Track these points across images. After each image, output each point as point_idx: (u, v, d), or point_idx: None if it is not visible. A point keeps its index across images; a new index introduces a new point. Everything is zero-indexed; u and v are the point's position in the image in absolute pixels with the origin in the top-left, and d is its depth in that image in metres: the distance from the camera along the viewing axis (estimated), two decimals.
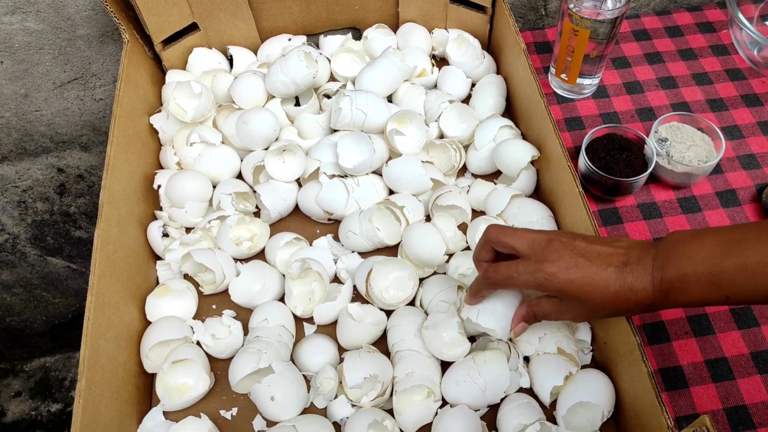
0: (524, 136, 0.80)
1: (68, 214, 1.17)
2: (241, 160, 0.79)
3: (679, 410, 0.63)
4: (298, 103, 0.85)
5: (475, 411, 0.59)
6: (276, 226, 0.77)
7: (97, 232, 0.64)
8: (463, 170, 0.81)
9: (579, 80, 0.87)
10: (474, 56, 0.88)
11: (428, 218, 0.75)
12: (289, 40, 0.90)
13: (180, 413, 0.63)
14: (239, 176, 0.80)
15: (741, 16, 0.82)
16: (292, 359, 0.65)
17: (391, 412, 0.61)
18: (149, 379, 0.65)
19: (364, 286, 0.67)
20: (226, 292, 0.69)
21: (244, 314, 0.69)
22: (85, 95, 0.97)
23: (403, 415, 0.60)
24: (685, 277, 0.46)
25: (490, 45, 0.93)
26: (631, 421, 0.58)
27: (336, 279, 0.72)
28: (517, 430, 0.57)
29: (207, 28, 0.87)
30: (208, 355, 0.66)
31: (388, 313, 0.67)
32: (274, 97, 0.82)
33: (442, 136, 0.82)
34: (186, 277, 0.72)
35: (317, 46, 0.92)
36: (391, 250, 0.74)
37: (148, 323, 0.67)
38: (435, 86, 0.87)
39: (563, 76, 0.88)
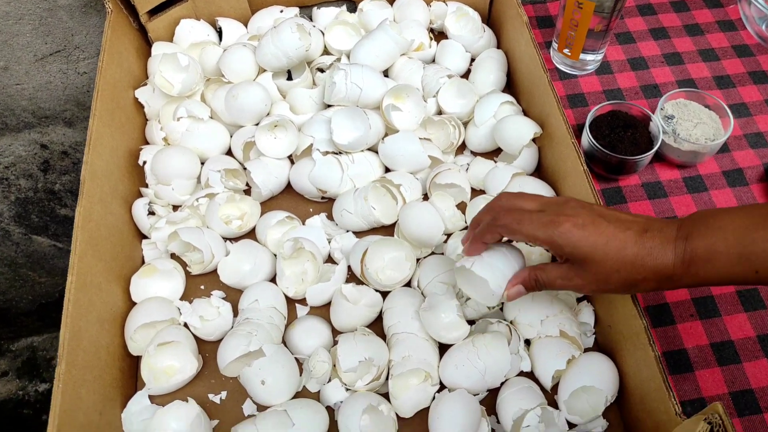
0: (526, 113, 0.77)
1: (53, 191, 1.13)
2: (231, 136, 0.76)
3: (684, 394, 0.61)
4: (290, 77, 0.82)
5: (474, 395, 0.57)
6: (267, 205, 0.74)
7: (78, 210, 0.60)
8: (462, 147, 0.78)
9: (582, 56, 0.84)
10: (474, 30, 0.85)
11: (426, 197, 0.73)
12: (281, 12, 0.86)
13: (166, 397, 0.60)
14: (229, 153, 0.77)
15: None
16: (283, 342, 0.63)
17: (386, 396, 0.58)
18: (134, 362, 0.63)
19: (359, 266, 0.64)
20: (214, 272, 0.67)
21: (233, 295, 0.66)
22: (68, 68, 0.93)
23: (400, 400, 0.58)
24: (712, 248, 0.43)
25: (490, 18, 0.89)
26: (635, 406, 0.56)
27: (330, 259, 0.70)
28: (518, 415, 0.55)
29: None
30: (196, 338, 0.63)
31: (384, 294, 0.65)
32: (265, 70, 0.79)
33: (440, 113, 0.79)
34: (173, 256, 0.69)
35: (310, 18, 0.89)
36: (388, 230, 0.71)
37: (133, 304, 0.64)
38: (433, 61, 0.84)
39: (566, 51, 0.85)
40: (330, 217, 0.72)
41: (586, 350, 0.60)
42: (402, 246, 0.66)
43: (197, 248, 0.65)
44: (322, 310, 0.66)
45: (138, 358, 0.62)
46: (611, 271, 0.46)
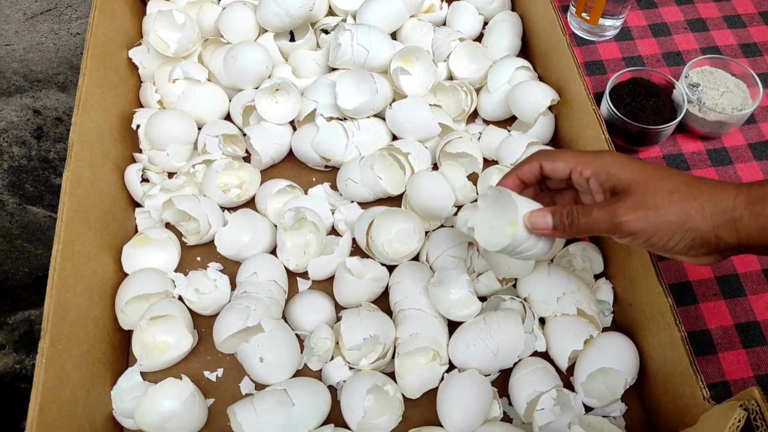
0: (542, 80, 0.72)
1: (47, 159, 1.09)
2: (230, 100, 0.72)
3: (707, 378, 0.57)
4: (293, 39, 0.76)
5: (486, 376, 0.54)
6: (267, 173, 0.69)
7: (66, 174, 0.56)
8: (474, 115, 0.74)
9: (601, 21, 0.79)
10: None
11: (435, 167, 0.68)
12: None
13: (159, 374, 0.57)
14: (227, 117, 0.72)
15: None
16: (284, 317, 0.59)
17: (392, 376, 0.55)
18: (125, 336, 0.59)
19: (364, 238, 0.60)
20: (211, 243, 0.63)
21: (231, 267, 0.62)
22: (60, 29, 0.88)
23: (406, 380, 0.54)
24: None
25: None
26: (657, 389, 0.52)
27: (333, 231, 0.65)
28: (532, 397, 0.51)
29: None
30: (191, 312, 0.59)
31: (391, 268, 0.61)
32: (266, 31, 0.73)
33: (451, 78, 0.74)
34: (168, 226, 0.65)
35: None
36: (395, 201, 0.67)
37: (125, 275, 0.60)
38: (444, 23, 0.79)
39: (584, 15, 0.79)
40: (334, 187, 0.68)
41: (605, 330, 0.57)
42: (410, 218, 0.62)
43: (193, 217, 0.61)
44: (325, 285, 0.62)
45: (129, 333, 0.58)
46: (665, 193, 0.40)
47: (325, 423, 0.53)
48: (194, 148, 0.69)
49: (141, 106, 0.73)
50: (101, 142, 0.63)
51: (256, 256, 0.60)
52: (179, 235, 0.64)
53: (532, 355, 0.56)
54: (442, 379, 0.54)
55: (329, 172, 0.70)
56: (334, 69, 0.72)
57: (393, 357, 0.55)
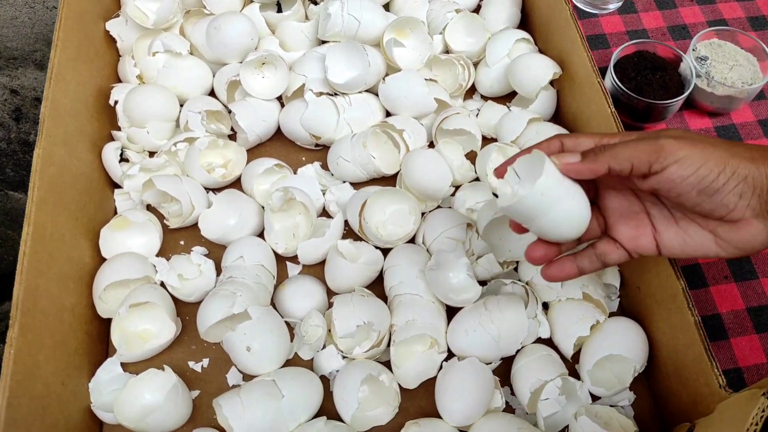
0: (543, 53, 0.68)
1: (27, 143, 1.04)
2: (214, 75, 0.67)
3: (718, 364, 0.54)
4: (280, 9, 0.72)
5: (487, 364, 0.51)
6: (254, 152, 0.66)
7: (36, 152, 0.52)
8: (472, 90, 0.70)
9: None
10: None
11: (431, 144, 0.65)
12: None
13: (141, 365, 0.53)
14: (211, 93, 0.68)
15: None
16: (272, 304, 0.56)
17: (388, 365, 0.52)
18: (104, 325, 0.55)
19: (357, 220, 0.57)
20: (195, 226, 0.59)
21: (216, 252, 0.59)
22: (35, 2, 0.83)
23: (402, 369, 0.51)
24: None
25: None
26: (668, 377, 0.49)
27: (324, 213, 0.62)
28: (536, 386, 0.49)
29: None
30: (174, 299, 0.56)
31: (385, 251, 0.57)
32: (251, 1, 0.69)
33: (447, 51, 0.70)
34: (149, 208, 0.61)
35: None
36: (389, 181, 0.63)
37: (103, 260, 0.56)
38: None
39: None
40: (325, 167, 0.64)
41: (611, 315, 0.54)
42: (405, 198, 0.58)
43: (175, 199, 0.57)
44: (316, 269, 0.58)
45: (108, 321, 0.54)
46: (707, 138, 0.38)
47: (317, 415, 0.50)
48: (176, 125, 0.65)
49: (119, 81, 0.68)
50: (76, 119, 0.59)
51: (242, 239, 0.57)
52: (161, 217, 0.61)
53: (535, 342, 0.53)
54: (441, 368, 0.51)
55: (320, 151, 0.66)
56: (323, 42, 0.68)
57: (388, 345, 0.52)
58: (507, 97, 0.69)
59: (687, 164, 0.37)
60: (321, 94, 0.64)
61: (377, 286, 0.56)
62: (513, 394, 0.51)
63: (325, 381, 0.52)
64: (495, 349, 0.51)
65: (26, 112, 0.99)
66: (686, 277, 0.58)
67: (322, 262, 0.57)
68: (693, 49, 0.68)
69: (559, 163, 0.40)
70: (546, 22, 0.68)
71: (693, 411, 0.46)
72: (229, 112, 0.64)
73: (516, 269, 0.57)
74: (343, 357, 0.52)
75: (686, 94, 0.64)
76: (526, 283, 0.55)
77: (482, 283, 0.55)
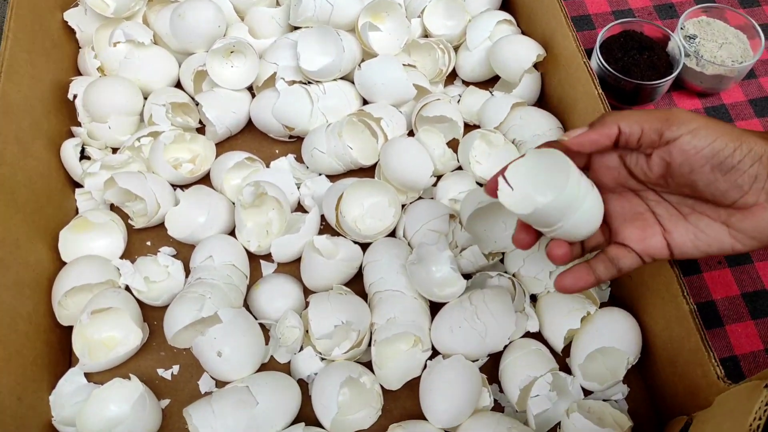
0: (525, 35, 0.66)
1: None
2: (180, 65, 0.65)
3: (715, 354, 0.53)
4: None
5: (473, 362, 0.49)
6: (224, 145, 0.63)
7: None
8: (453, 76, 0.68)
9: None
10: None
11: (411, 133, 0.63)
12: None
13: (107, 374, 0.51)
14: (178, 85, 0.65)
15: None
16: (246, 305, 0.53)
17: (369, 366, 0.49)
18: (65, 333, 0.53)
19: (333, 214, 0.55)
20: (162, 225, 0.57)
21: (185, 252, 0.57)
22: None
23: (385, 369, 0.49)
24: None
25: None
26: (663, 369, 0.48)
27: (300, 208, 0.60)
28: (525, 383, 0.47)
29: None
30: (141, 303, 0.53)
31: (364, 246, 0.55)
32: None
33: (426, 35, 0.68)
34: (113, 207, 0.59)
35: None
36: (367, 172, 0.61)
37: (63, 264, 0.54)
38: None
39: None
40: (299, 159, 0.62)
41: (602, 305, 0.52)
42: (384, 189, 0.56)
43: (139, 197, 0.55)
44: (292, 267, 0.56)
45: (70, 329, 0.52)
46: (714, 120, 0.36)
47: (295, 422, 0.47)
48: (140, 119, 0.62)
49: (80, 74, 0.66)
50: (30, 115, 0.56)
51: (211, 238, 0.54)
52: (126, 217, 0.58)
53: (523, 337, 0.51)
54: (425, 367, 0.49)
55: (294, 143, 0.64)
56: (296, 28, 0.66)
57: (369, 345, 0.50)
58: (489, 82, 0.67)
59: (702, 135, 0.35)
60: (293, 82, 0.62)
61: (357, 283, 0.54)
62: (501, 391, 0.50)
63: (304, 385, 0.50)
64: (481, 346, 0.49)
65: None
66: (679, 263, 0.56)
67: (298, 260, 0.55)
68: (681, 28, 0.67)
69: (568, 140, 0.37)
70: (529, 2, 0.66)
71: (690, 403, 0.44)
72: (197, 104, 0.62)
73: (502, 261, 0.55)
74: (322, 359, 0.50)
75: (675, 73, 0.62)
76: (513, 275, 0.53)
77: (467, 276, 0.53)
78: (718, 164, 0.35)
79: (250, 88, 0.64)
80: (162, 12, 0.64)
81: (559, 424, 0.47)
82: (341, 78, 0.64)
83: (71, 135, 0.61)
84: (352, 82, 0.63)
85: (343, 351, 0.49)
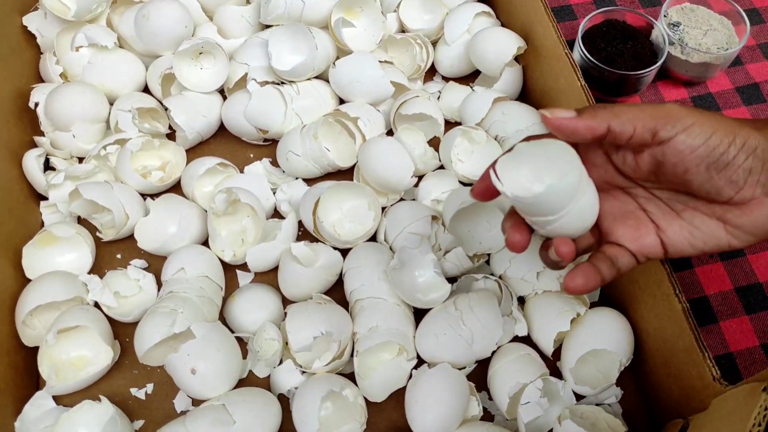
0: (505, 27, 0.65)
1: None
2: (147, 68, 0.63)
3: (710, 353, 0.52)
4: None
5: (460, 369, 0.47)
6: (196, 151, 0.61)
7: None
8: (432, 72, 0.67)
9: None
10: None
11: (390, 132, 0.61)
12: None
13: (77, 396, 0.49)
14: (146, 89, 0.63)
15: None
16: (222, 318, 0.51)
17: (352, 377, 0.48)
18: (30, 354, 0.50)
19: (311, 220, 0.53)
20: (133, 237, 0.55)
21: (158, 264, 0.54)
22: None
23: (368, 381, 0.47)
24: None
25: None
26: (657, 370, 0.46)
27: (277, 214, 0.58)
28: (515, 390, 0.45)
29: None
30: (111, 320, 0.51)
31: (344, 252, 0.54)
32: None
33: (403, 30, 0.67)
34: (80, 220, 0.57)
35: None
36: (345, 175, 0.60)
37: (27, 281, 0.52)
38: None
39: None
40: (275, 163, 0.60)
41: (593, 306, 0.51)
42: (363, 192, 0.55)
43: (106, 208, 0.53)
44: (270, 277, 0.55)
45: (35, 350, 0.50)
46: (707, 113, 0.35)
47: None
48: (106, 127, 0.60)
49: (42, 80, 0.63)
50: None
51: (182, 249, 0.52)
52: (94, 230, 0.56)
53: (512, 341, 0.50)
54: (410, 377, 0.48)
55: (268, 146, 0.62)
56: (267, 26, 0.64)
57: (352, 355, 0.48)
58: (470, 77, 0.66)
59: (697, 132, 0.33)
60: (266, 83, 0.60)
61: (338, 291, 0.53)
62: (491, 399, 0.48)
63: (285, 400, 0.49)
64: (468, 352, 0.47)
65: None
66: (670, 258, 0.55)
67: (276, 269, 0.53)
68: (664, 15, 0.66)
69: (550, 116, 0.35)
70: None
71: (685, 406, 0.43)
72: (166, 108, 0.60)
73: (488, 262, 0.53)
74: (302, 372, 0.48)
75: (660, 62, 0.61)
76: (500, 277, 0.52)
77: (451, 280, 0.51)
78: (713, 162, 0.34)
79: (221, 91, 0.62)
80: (126, 14, 0.62)
81: (551, 431, 0.46)
82: (315, 77, 0.62)
83: (34, 145, 0.59)
84: (327, 82, 0.61)
85: (324, 363, 0.47)
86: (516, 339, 0.50)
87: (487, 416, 0.48)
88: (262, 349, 0.50)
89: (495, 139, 0.59)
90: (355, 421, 0.47)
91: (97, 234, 0.55)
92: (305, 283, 0.51)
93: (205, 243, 0.55)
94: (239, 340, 0.50)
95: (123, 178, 0.56)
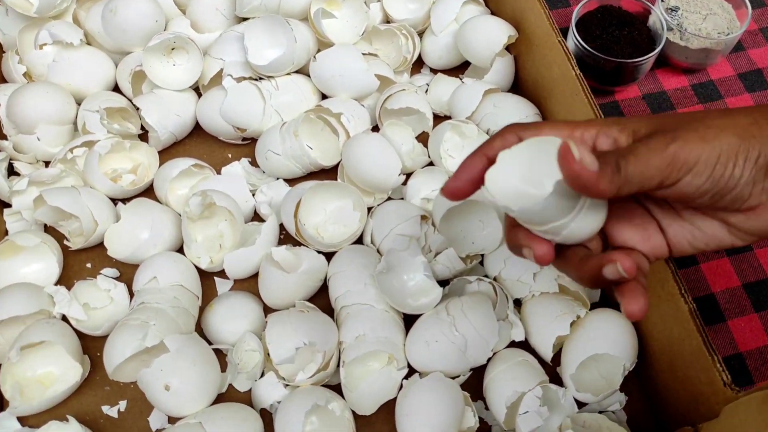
0: (495, 15, 0.63)
1: None
2: (116, 66, 0.61)
3: (719, 356, 0.50)
4: None
5: (454, 378, 0.46)
6: (170, 152, 0.59)
7: None
8: (419, 64, 0.65)
9: None
10: None
11: (376, 128, 0.60)
12: None
13: (45, 415, 0.47)
14: (116, 88, 0.61)
15: None
16: (199, 329, 0.49)
17: (339, 389, 0.46)
18: None
19: (293, 222, 0.51)
20: (102, 245, 0.52)
21: (131, 272, 0.52)
22: None
23: (356, 393, 0.46)
24: None
25: None
26: (663, 375, 0.45)
27: (257, 216, 0.56)
28: (512, 399, 0.44)
29: None
30: (80, 333, 0.49)
31: (329, 256, 0.52)
32: None
33: (387, 21, 0.65)
34: (47, 228, 0.55)
35: None
36: (329, 174, 0.58)
37: None
38: None
39: None
40: (254, 163, 0.58)
41: (593, 307, 0.49)
42: (347, 192, 0.53)
43: (73, 215, 0.51)
44: (250, 284, 0.53)
45: None
46: (702, 117, 0.33)
47: None
48: (74, 128, 0.58)
49: (4, 81, 0.61)
50: None
51: (154, 256, 0.50)
52: (62, 238, 0.54)
53: (508, 347, 0.48)
54: (401, 387, 0.46)
55: (247, 145, 0.60)
56: (243, 19, 0.62)
57: (338, 366, 0.46)
58: (459, 69, 0.65)
59: (701, 170, 0.32)
60: (242, 79, 0.58)
61: (323, 298, 0.51)
62: (487, 409, 0.47)
63: (268, 415, 0.47)
64: (462, 360, 0.46)
65: None
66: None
67: (256, 275, 0.52)
68: (662, 0, 0.64)
69: (578, 157, 0.31)
70: None
71: (694, 412, 0.41)
72: (137, 108, 0.58)
73: (481, 263, 0.52)
74: (286, 385, 0.46)
75: (658, 49, 0.60)
76: (494, 279, 0.50)
77: (443, 283, 0.50)
78: (718, 191, 0.32)
79: (195, 88, 0.60)
80: (93, 9, 0.61)
81: None
82: (295, 72, 0.60)
83: None
84: (308, 76, 0.60)
85: (309, 375, 0.46)
86: (512, 344, 0.48)
87: (484, 427, 0.47)
88: (243, 362, 0.48)
89: (486, 133, 0.57)
90: None
91: (65, 242, 0.53)
92: (287, 289, 0.49)
93: (180, 249, 0.53)
94: (218, 352, 0.48)
95: (91, 183, 0.54)
